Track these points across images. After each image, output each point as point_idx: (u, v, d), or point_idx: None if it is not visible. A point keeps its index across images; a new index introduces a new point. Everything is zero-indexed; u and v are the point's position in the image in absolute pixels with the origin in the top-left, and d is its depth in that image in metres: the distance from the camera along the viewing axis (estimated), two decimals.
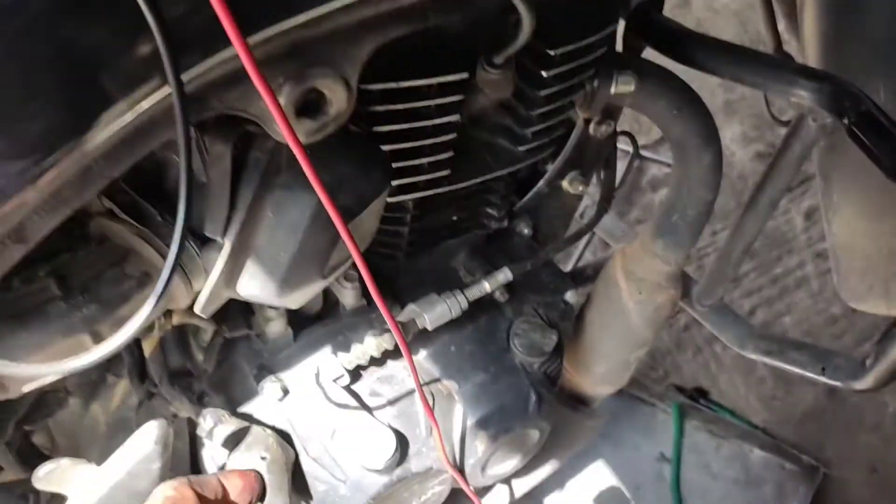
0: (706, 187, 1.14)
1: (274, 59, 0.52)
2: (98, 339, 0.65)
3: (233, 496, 0.72)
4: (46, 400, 0.94)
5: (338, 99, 0.56)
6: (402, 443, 0.94)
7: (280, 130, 0.56)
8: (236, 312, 0.95)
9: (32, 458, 1.07)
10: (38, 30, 0.42)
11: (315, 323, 1.01)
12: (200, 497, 0.66)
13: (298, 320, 0.99)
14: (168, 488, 0.65)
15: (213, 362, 0.93)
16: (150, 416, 1.02)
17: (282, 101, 0.53)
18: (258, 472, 0.80)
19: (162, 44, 0.43)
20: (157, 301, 0.48)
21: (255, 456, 0.84)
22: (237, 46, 0.45)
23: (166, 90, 0.49)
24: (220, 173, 0.63)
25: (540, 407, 1.06)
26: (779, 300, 2.31)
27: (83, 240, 0.73)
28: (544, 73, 0.87)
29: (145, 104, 0.48)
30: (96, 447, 1.03)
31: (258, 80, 0.47)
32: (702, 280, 1.31)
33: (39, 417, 0.94)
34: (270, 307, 0.93)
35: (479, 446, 1.02)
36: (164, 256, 0.68)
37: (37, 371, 0.47)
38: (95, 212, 0.68)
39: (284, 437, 0.90)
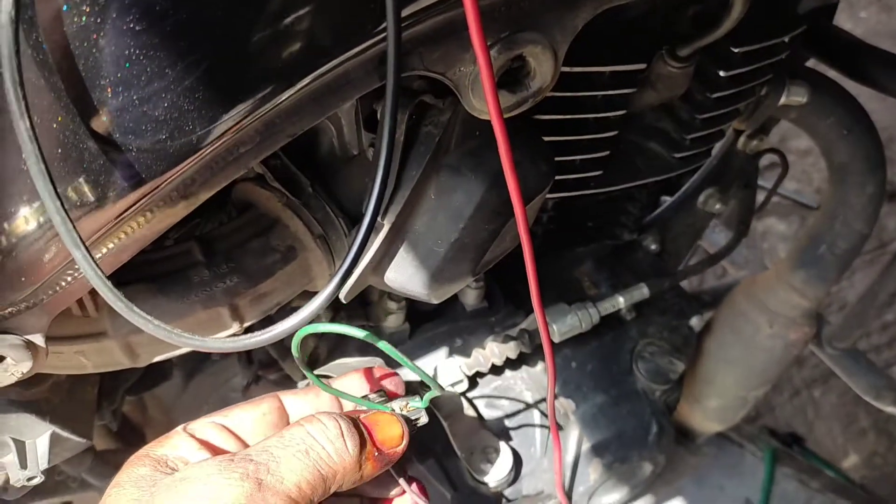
0: (864, 219, 1.04)
1: (488, 16, 0.45)
2: (235, 313, 0.60)
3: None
4: (154, 370, 0.90)
5: (543, 72, 0.49)
6: (517, 461, 0.87)
7: (476, 102, 0.50)
8: (354, 301, 0.90)
9: (123, 428, 1.04)
10: None
11: (431, 320, 0.94)
12: None
13: (414, 316, 0.93)
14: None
15: (325, 350, 0.87)
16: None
17: None
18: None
19: None
20: (337, 285, 0.42)
21: None
22: None
23: (372, 41, 0.43)
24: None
25: (660, 438, 0.98)
26: (887, 349, 2.15)
27: (216, 204, 0.69)
28: (722, 73, 0.78)
29: (347, 55, 0.42)
30: None
31: (478, 39, 0.41)
32: (838, 320, 1.20)
33: (144, 388, 0.90)
34: (392, 299, 0.87)
35: (591, 473, 0.94)
36: (311, 230, 0.62)
37: (210, 345, 0.42)
38: (244, 176, 0.63)
39: None
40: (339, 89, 0.45)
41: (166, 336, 0.40)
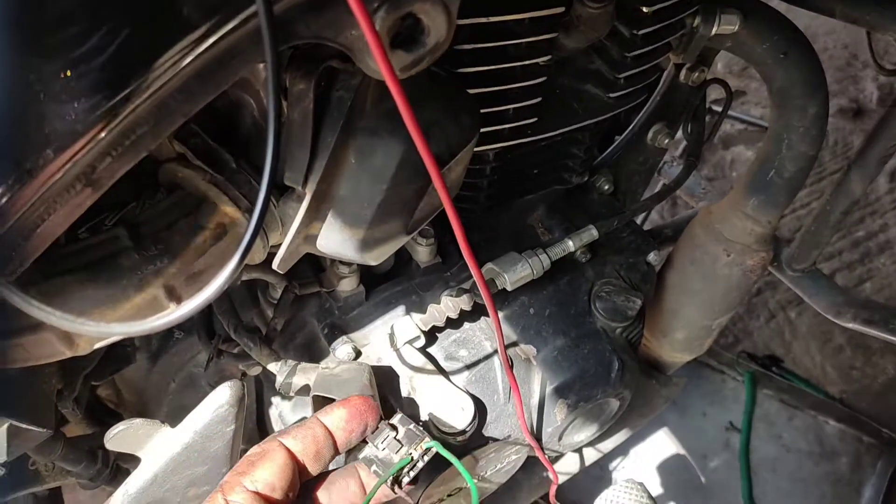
0: (809, 141, 1.05)
1: None
2: (171, 294, 0.61)
3: (340, 432, 0.64)
4: (114, 355, 0.91)
5: (437, 27, 0.49)
6: (481, 409, 0.89)
7: (372, 64, 0.50)
8: (307, 268, 0.91)
9: (99, 413, 1.06)
10: None
11: (387, 281, 0.96)
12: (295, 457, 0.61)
13: (370, 278, 0.94)
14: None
15: (282, 319, 0.89)
16: (218, 374, 0.99)
17: (376, 27, 0.46)
18: (369, 396, 0.68)
19: None
20: (240, 261, 0.43)
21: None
22: None
23: (249, 13, 0.43)
24: (302, 114, 0.57)
25: (622, 375, 1.00)
26: (860, 265, 2.18)
27: (151, 188, 0.69)
28: (645, 9, 0.78)
29: (225, 29, 0.42)
30: (164, 405, 1.01)
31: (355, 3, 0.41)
32: (794, 242, 1.22)
33: (107, 373, 0.91)
34: (343, 264, 0.88)
35: (557, 414, 0.97)
36: (238, 206, 0.63)
37: (114, 330, 0.43)
38: (166, 157, 0.64)
39: None
40: (228, 64, 0.45)
41: (70, 326, 0.41)
